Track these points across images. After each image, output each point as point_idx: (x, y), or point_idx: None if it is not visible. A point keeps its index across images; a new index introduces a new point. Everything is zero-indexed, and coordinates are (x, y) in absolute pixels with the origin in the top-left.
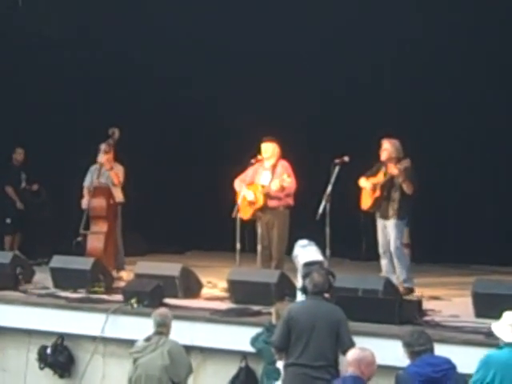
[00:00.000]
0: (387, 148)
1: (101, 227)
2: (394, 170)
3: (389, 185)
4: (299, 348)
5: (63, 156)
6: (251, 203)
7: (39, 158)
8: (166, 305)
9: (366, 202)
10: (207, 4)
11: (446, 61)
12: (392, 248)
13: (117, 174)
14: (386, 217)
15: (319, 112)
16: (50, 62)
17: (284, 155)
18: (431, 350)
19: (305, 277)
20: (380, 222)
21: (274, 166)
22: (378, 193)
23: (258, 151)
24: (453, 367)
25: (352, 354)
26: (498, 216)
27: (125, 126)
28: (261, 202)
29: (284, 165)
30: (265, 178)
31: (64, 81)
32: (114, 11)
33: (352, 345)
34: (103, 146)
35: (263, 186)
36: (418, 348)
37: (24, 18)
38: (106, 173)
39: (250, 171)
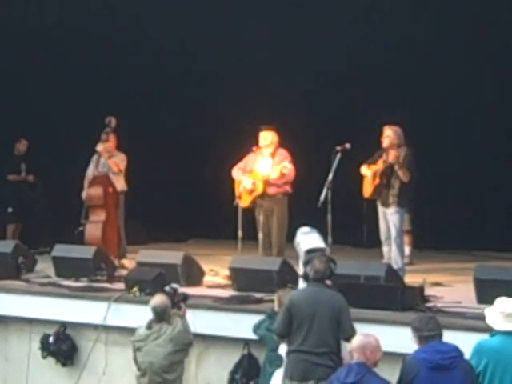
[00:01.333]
0: (389, 135)
1: (99, 216)
2: (391, 157)
3: (388, 172)
4: (301, 335)
5: (65, 146)
6: (251, 191)
7: (41, 148)
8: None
9: (367, 190)
10: None
11: (448, 47)
12: (392, 235)
13: (115, 162)
14: (386, 204)
15: (320, 99)
16: (50, 51)
17: (285, 143)
18: (440, 336)
19: (306, 264)
20: (381, 210)
21: (273, 154)
22: (377, 180)
23: (257, 139)
24: (460, 355)
25: (356, 341)
26: (499, 202)
27: (125, 114)
28: (260, 190)
29: (283, 153)
30: (264, 166)
31: (63, 70)
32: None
33: (353, 332)
34: (102, 135)
35: (262, 174)
36: (427, 333)
37: (22, 8)
38: (105, 162)
39: (248, 159)
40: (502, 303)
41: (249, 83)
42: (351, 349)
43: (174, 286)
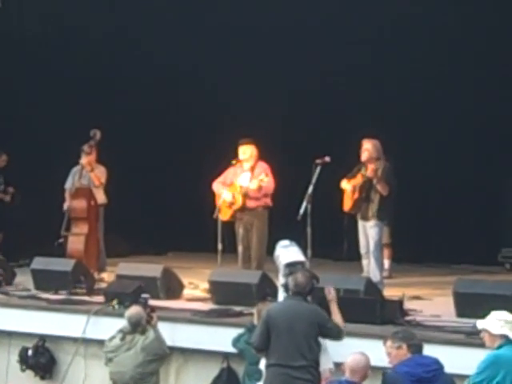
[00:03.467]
0: (368, 148)
1: (81, 228)
2: (369, 170)
3: (367, 186)
4: (279, 348)
5: (45, 157)
6: (230, 204)
7: (19, 160)
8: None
9: (346, 204)
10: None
11: (427, 60)
12: (370, 248)
13: (98, 175)
14: (366, 218)
15: (300, 112)
16: (29, 64)
17: (265, 156)
18: (421, 348)
19: (289, 275)
20: (360, 223)
21: (253, 168)
22: (356, 194)
23: (237, 153)
24: (441, 367)
25: (352, 360)
26: (478, 216)
27: (105, 127)
28: (239, 203)
29: (262, 166)
30: (244, 179)
31: (42, 83)
32: (99, 9)
33: (340, 329)
34: (85, 148)
35: (242, 187)
36: (417, 341)
37: (3, 19)
38: (88, 174)
39: (228, 173)
40: (503, 314)
41: (229, 97)
42: (345, 365)
43: (145, 296)
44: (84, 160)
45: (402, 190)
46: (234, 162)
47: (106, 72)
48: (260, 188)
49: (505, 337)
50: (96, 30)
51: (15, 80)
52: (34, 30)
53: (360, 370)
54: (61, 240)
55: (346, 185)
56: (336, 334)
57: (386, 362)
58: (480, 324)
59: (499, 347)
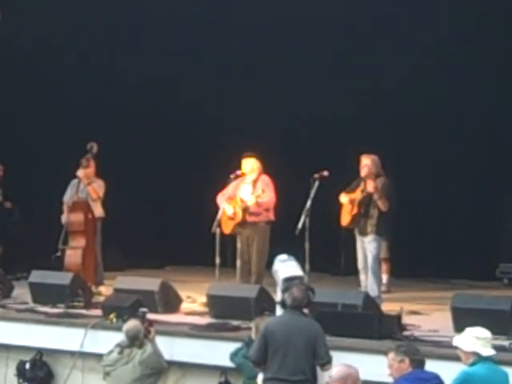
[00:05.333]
0: (367, 164)
1: (79, 242)
2: (369, 187)
3: (366, 202)
4: (277, 362)
5: (42, 171)
6: (231, 218)
7: (17, 173)
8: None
9: (345, 219)
10: (191, 15)
11: (423, 77)
12: (369, 262)
13: (95, 189)
14: (364, 233)
15: (299, 127)
16: (25, 76)
17: (264, 170)
18: (423, 363)
19: (284, 291)
20: (358, 239)
21: (255, 181)
22: (355, 210)
23: (240, 167)
24: (441, 383)
25: (338, 371)
26: (476, 231)
27: (103, 139)
28: (239, 217)
29: (265, 180)
30: (245, 193)
31: (40, 95)
32: (91, 22)
33: (329, 359)
34: (82, 161)
35: (242, 201)
36: (420, 357)
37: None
38: (85, 188)
39: (231, 186)
40: (476, 330)
41: (230, 111)
42: (332, 380)
43: (144, 309)
44: (81, 173)
45: (400, 205)
46: (232, 176)
47: (106, 85)
48: (258, 204)
49: (477, 354)
50: (93, 44)
51: (12, 92)
52: (32, 42)
53: (349, 380)
54: (58, 253)
55: (344, 199)
56: (324, 355)
57: (384, 376)
58: (455, 341)
59: (472, 364)
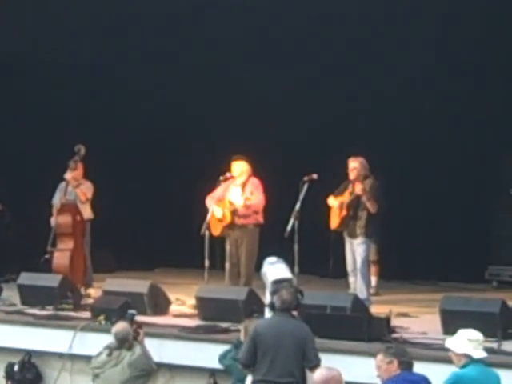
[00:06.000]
0: (356, 167)
1: (66, 244)
2: (357, 189)
3: (355, 204)
4: (266, 365)
5: (31, 173)
6: (220, 220)
7: (6, 175)
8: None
9: (334, 222)
10: (178, 19)
11: (412, 79)
12: (358, 265)
13: (83, 191)
14: (353, 235)
15: (288, 130)
16: (13, 77)
17: (254, 173)
18: (412, 365)
19: (273, 293)
20: (347, 241)
21: (244, 184)
22: (344, 212)
23: (229, 169)
24: None
25: (319, 374)
26: (465, 234)
27: (92, 141)
28: (228, 220)
29: (254, 182)
30: (234, 195)
31: (29, 97)
32: (82, 27)
33: (318, 362)
34: (70, 163)
35: (231, 203)
36: (408, 359)
37: None
38: (73, 191)
39: (221, 188)
40: (468, 332)
41: (219, 115)
42: (314, 383)
43: (132, 311)
44: (69, 176)
45: (389, 207)
46: (222, 178)
47: (93, 86)
48: (246, 206)
49: (468, 356)
50: (84, 49)
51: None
52: (20, 48)
53: (331, 382)
54: (47, 256)
55: (332, 201)
56: (313, 358)
57: (373, 378)
58: (447, 343)
59: (464, 366)
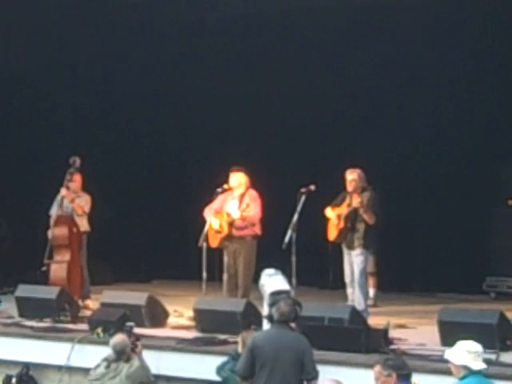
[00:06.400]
0: (354, 179)
1: (63, 256)
2: (355, 202)
3: (353, 216)
4: (264, 377)
5: (29, 185)
6: (217, 232)
7: (2, 187)
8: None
9: (331, 233)
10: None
11: (409, 91)
12: (355, 276)
13: (79, 204)
14: (351, 247)
15: (286, 142)
16: (12, 89)
17: (251, 184)
18: (410, 377)
19: (272, 305)
20: (346, 252)
21: (242, 196)
22: (342, 224)
23: (227, 180)
24: None
25: None
26: (463, 245)
27: (90, 153)
28: (226, 231)
29: (252, 194)
30: (232, 207)
31: (27, 109)
32: (76, 39)
33: (316, 374)
34: (66, 175)
35: (228, 215)
36: (407, 371)
37: None
38: (69, 205)
39: (219, 199)
40: (467, 344)
41: (218, 126)
42: None
43: (130, 324)
44: (64, 192)
45: (387, 219)
46: (219, 190)
47: (92, 99)
48: (243, 218)
49: (467, 367)
50: (80, 59)
51: None
52: (15, 60)
53: None
54: (44, 268)
55: (330, 213)
56: (311, 370)
57: None
58: (446, 354)
59: (463, 378)
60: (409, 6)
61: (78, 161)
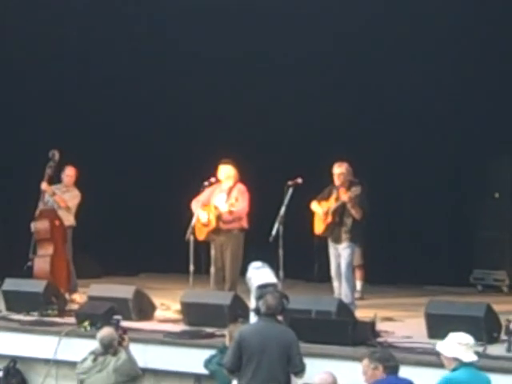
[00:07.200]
0: (343, 172)
1: (47, 249)
2: (344, 196)
3: (340, 210)
4: (251, 370)
5: (12, 180)
6: (205, 225)
7: None
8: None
9: (318, 227)
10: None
11: (397, 82)
12: (342, 269)
13: (62, 198)
14: (338, 241)
15: (274, 135)
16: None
17: (239, 177)
18: (397, 369)
19: (259, 298)
20: (332, 246)
21: (231, 189)
22: (330, 218)
23: (214, 174)
24: None
25: (320, 379)
26: (450, 238)
27: (76, 148)
28: (213, 224)
29: (240, 188)
30: (220, 200)
31: (8, 100)
32: (64, 26)
33: (303, 367)
34: (46, 170)
35: (216, 208)
36: (394, 363)
37: None
38: (50, 199)
39: (207, 192)
40: (458, 336)
41: (205, 119)
42: None
43: (117, 317)
44: (44, 185)
45: (374, 212)
46: (206, 183)
47: (80, 94)
48: (230, 212)
49: (458, 359)
50: (70, 47)
51: None
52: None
53: None
54: (29, 263)
55: (316, 207)
56: (298, 363)
57: (358, 383)
58: (437, 346)
59: (454, 369)
60: None
61: (56, 154)
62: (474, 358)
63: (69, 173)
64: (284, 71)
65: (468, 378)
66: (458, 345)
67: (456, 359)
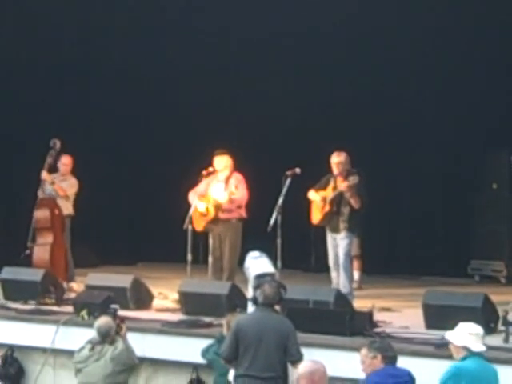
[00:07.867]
0: (341, 161)
1: (46, 238)
2: (342, 186)
3: (338, 199)
4: (248, 359)
5: (12, 169)
6: (203, 215)
7: None
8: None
9: (316, 217)
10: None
11: (397, 74)
12: (340, 259)
13: (61, 186)
14: (336, 231)
15: (271, 124)
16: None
17: (236, 167)
18: (396, 360)
19: (256, 288)
20: (330, 236)
21: (228, 178)
22: (327, 207)
23: (211, 163)
24: (412, 380)
25: (304, 367)
26: (448, 229)
27: (75, 137)
28: (212, 214)
29: (238, 177)
30: (217, 190)
31: (9, 90)
32: (59, 19)
33: (300, 356)
34: (47, 158)
35: (214, 199)
36: (392, 353)
37: None
38: (49, 187)
39: (203, 183)
40: (468, 326)
41: (202, 109)
42: (299, 375)
43: (115, 306)
44: (43, 174)
45: (372, 202)
46: (204, 172)
47: (79, 85)
48: (231, 200)
49: (467, 349)
50: (70, 35)
51: None
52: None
53: (316, 375)
54: (27, 252)
55: (314, 196)
56: (295, 352)
57: (355, 373)
58: (447, 335)
59: (463, 359)
60: None
61: (58, 143)
62: (482, 348)
63: (65, 161)
64: (283, 62)
65: (476, 368)
66: (469, 334)
67: (465, 348)
